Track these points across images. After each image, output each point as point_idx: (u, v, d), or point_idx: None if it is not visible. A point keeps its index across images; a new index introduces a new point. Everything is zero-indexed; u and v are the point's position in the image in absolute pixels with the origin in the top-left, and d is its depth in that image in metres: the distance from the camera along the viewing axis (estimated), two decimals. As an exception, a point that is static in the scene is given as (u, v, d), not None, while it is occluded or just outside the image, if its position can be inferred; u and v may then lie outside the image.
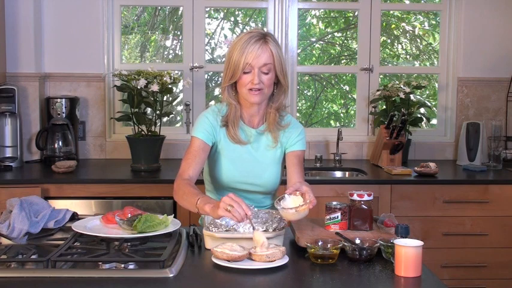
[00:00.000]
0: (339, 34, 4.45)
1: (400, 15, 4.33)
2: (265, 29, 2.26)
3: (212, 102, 4.24)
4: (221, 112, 2.20)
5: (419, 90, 3.80)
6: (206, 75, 3.98)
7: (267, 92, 2.13)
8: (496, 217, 3.21)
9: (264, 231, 1.83)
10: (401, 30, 4.38)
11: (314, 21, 4.37)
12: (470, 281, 3.24)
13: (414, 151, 3.84)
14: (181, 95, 4.02)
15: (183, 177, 2.09)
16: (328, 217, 1.99)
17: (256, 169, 2.20)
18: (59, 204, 2.43)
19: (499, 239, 3.22)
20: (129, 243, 1.83)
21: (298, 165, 2.21)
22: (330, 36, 4.46)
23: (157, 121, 3.34)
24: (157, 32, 4.21)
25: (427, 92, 4.26)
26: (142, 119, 3.32)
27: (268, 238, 1.79)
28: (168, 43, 4.27)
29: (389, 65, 4.26)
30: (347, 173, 3.62)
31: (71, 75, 3.70)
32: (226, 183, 2.21)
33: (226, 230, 1.84)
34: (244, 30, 4.34)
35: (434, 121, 4.02)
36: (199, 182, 2.18)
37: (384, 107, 3.77)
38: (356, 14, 4.04)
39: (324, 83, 4.51)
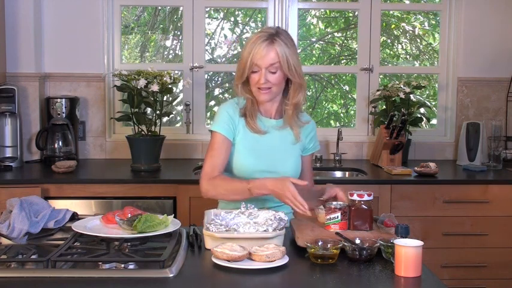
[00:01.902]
0: (339, 34, 4.45)
1: (400, 15, 4.33)
2: (279, 27, 2.30)
3: (212, 102, 4.25)
4: (239, 105, 2.25)
5: (419, 90, 3.80)
6: (206, 75, 3.98)
7: (275, 90, 2.18)
8: (496, 217, 3.21)
9: (264, 231, 1.83)
10: (401, 30, 4.38)
11: (314, 21, 4.37)
12: (470, 281, 3.24)
13: (414, 151, 3.84)
14: (181, 95, 4.02)
15: (214, 175, 2.14)
16: (328, 217, 1.99)
17: (277, 157, 2.22)
18: (59, 204, 2.43)
19: (499, 239, 3.22)
20: (129, 243, 1.83)
21: (309, 170, 2.38)
22: (330, 36, 4.46)
23: (157, 121, 3.34)
24: (157, 32, 4.21)
25: (427, 92, 4.27)
26: (142, 119, 3.32)
27: (268, 238, 1.80)
28: (168, 43, 4.27)
29: (389, 65, 4.26)
30: (347, 173, 3.62)
31: (71, 75, 3.70)
32: (248, 173, 2.19)
33: (226, 230, 1.84)
34: (244, 30, 4.35)
35: (434, 121, 4.02)
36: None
37: (384, 107, 3.77)
38: (356, 14, 4.04)
39: (324, 83, 4.51)
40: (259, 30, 2.22)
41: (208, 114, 4.00)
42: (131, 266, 1.67)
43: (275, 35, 2.15)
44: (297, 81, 2.19)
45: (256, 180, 2.08)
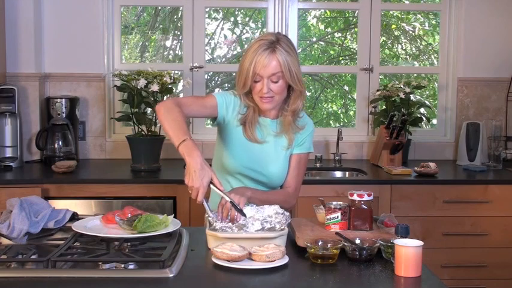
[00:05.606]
0: (339, 34, 4.45)
1: (400, 15, 4.33)
2: (279, 32, 2.25)
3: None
4: (241, 110, 2.20)
5: (419, 90, 3.80)
6: (206, 75, 3.98)
7: (278, 99, 2.14)
8: (496, 217, 3.21)
9: (271, 227, 1.85)
10: (401, 30, 4.39)
11: (314, 21, 4.37)
12: (470, 281, 3.24)
13: (414, 151, 3.84)
14: (181, 95, 4.02)
15: (180, 104, 2.05)
16: (328, 217, 1.99)
17: (266, 159, 2.21)
18: (59, 204, 2.43)
19: (499, 239, 3.22)
20: (129, 243, 1.83)
21: (297, 169, 2.26)
22: (329, 36, 4.46)
23: (157, 121, 3.34)
24: (157, 32, 4.22)
25: (427, 92, 4.27)
26: (143, 119, 3.32)
27: (271, 238, 1.80)
28: (168, 43, 4.27)
29: (389, 65, 4.26)
30: (347, 173, 3.62)
31: (71, 75, 3.70)
32: (234, 167, 2.21)
33: (236, 226, 1.84)
34: (244, 31, 4.35)
35: (434, 121, 4.02)
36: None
37: (384, 107, 3.77)
38: (356, 14, 4.04)
39: (324, 83, 4.51)
40: (258, 37, 2.17)
41: (208, 114, 3.99)
42: (131, 266, 1.67)
43: (276, 43, 2.09)
44: (298, 88, 2.15)
45: (190, 143, 1.91)
